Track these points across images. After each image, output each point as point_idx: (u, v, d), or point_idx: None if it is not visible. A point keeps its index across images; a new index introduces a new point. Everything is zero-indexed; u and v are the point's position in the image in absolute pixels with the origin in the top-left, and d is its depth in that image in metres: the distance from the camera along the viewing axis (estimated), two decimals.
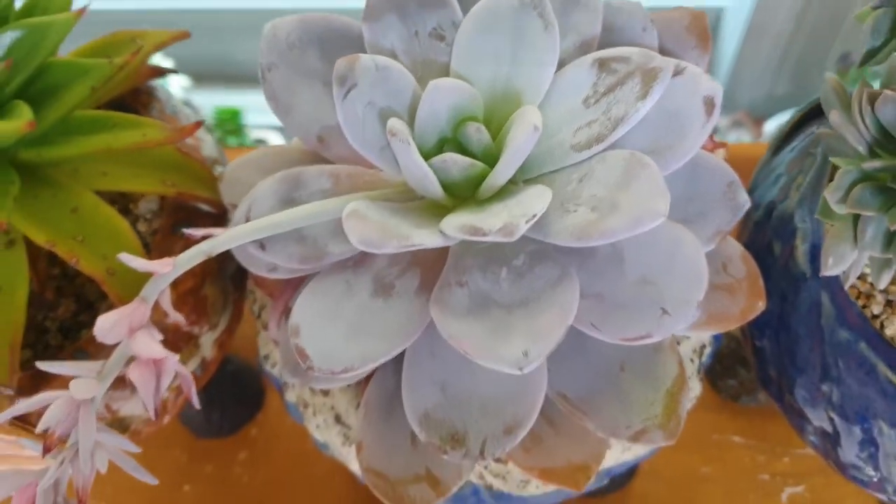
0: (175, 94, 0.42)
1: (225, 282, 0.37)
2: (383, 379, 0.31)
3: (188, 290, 0.35)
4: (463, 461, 0.28)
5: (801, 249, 0.34)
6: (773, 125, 0.99)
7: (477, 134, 0.28)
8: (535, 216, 0.25)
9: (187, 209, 0.36)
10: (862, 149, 0.26)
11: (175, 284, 0.35)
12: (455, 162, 0.27)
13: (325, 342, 0.28)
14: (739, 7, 0.99)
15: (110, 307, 0.35)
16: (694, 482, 0.45)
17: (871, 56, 0.28)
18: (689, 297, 0.27)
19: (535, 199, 0.26)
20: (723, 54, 1.06)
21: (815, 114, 0.39)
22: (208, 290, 0.36)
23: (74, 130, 0.31)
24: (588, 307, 0.27)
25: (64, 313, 0.35)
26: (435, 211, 0.29)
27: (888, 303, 0.33)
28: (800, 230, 0.34)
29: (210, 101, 0.98)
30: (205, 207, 0.36)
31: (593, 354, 0.29)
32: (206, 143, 0.39)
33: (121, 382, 0.35)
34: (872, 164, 0.25)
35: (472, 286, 0.28)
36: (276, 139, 1.05)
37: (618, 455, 0.33)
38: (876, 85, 0.28)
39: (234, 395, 0.48)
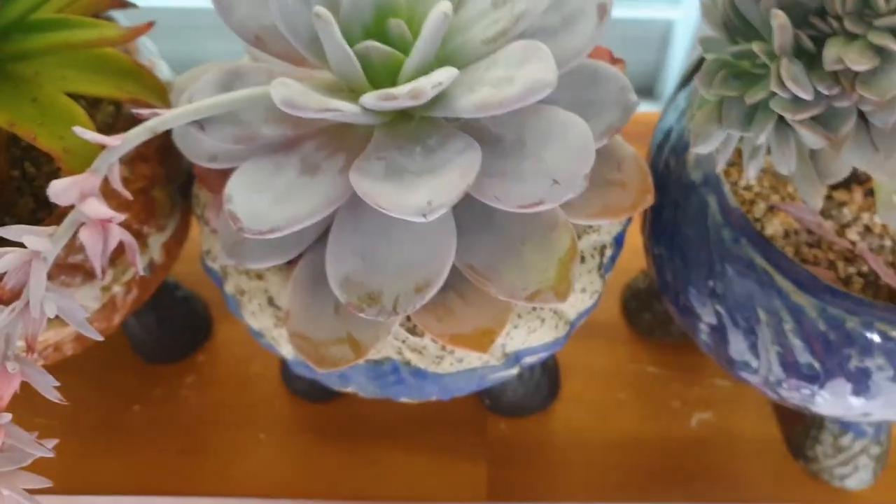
0: None
1: (173, 190, 0.40)
2: (311, 258, 0.34)
3: (138, 190, 0.38)
4: (378, 318, 0.31)
5: (692, 160, 0.37)
6: None
7: (398, 29, 0.32)
8: (440, 84, 0.29)
9: (140, 121, 0.39)
10: (725, 37, 0.30)
11: (126, 183, 0.38)
12: (376, 49, 0.31)
13: (254, 207, 0.31)
14: (688, 20, 1.04)
15: None
16: (611, 406, 0.49)
17: None
18: (577, 170, 0.30)
19: (442, 73, 0.29)
20: (672, 67, 1.11)
21: None
22: (157, 193, 0.39)
23: (34, 29, 0.34)
24: (492, 183, 0.31)
25: (22, 210, 0.38)
26: (357, 97, 0.32)
27: (770, 209, 0.37)
28: (691, 143, 0.37)
29: None
30: None
31: (498, 230, 0.33)
32: (160, 67, 0.42)
33: (71, 270, 0.38)
34: (733, 49, 0.29)
35: (389, 160, 0.31)
36: None
37: (524, 337, 0.36)
38: None
39: (184, 322, 0.50)
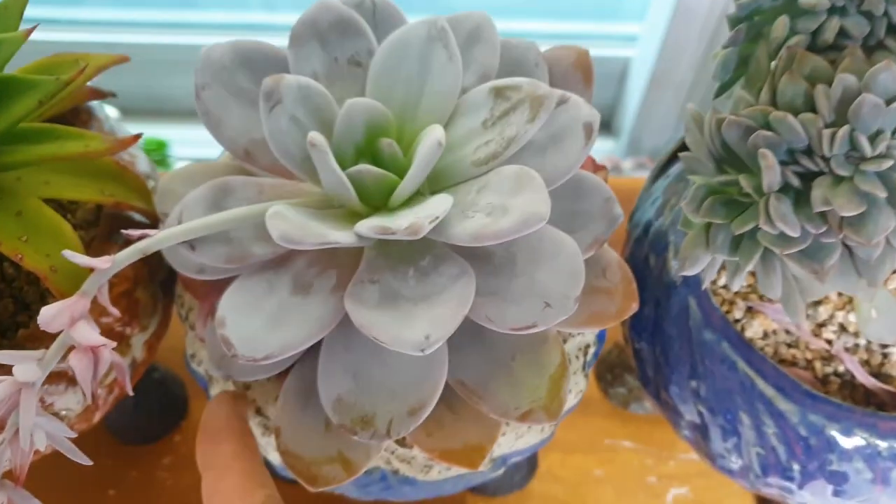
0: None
1: (155, 288, 0.40)
2: (301, 372, 0.34)
3: (122, 293, 0.37)
4: (371, 441, 0.31)
5: (673, 261, 0.38)
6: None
7: (389, 148, 0.32)
8: (437, 218, 0.29)
9: (123, 218, 0.38)
10: (712, 166, 0.31)
11: (110, 287, 0.37)
12: (369, 172, 0.31)
13: (247, 332, 0.31)
14: (645, 58, 1.06)
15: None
16: (588, 483, 0.49)
17: (722, 90, 0.33)
18: (569, 292, 0.31)
19: (438, 204, 0.30)
20: (628, 103, 1.13)
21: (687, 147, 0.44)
22: (140, 293, 0.39)
23: (21, 140, 0.34)
24: (484, 303, 0.31)
25: (2, 314, 0.38)
26: (351, 217, 0.32)
27: (748, 309, 0.38)
28: (672, 244, 0.38)
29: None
30: (139, 217, 0.39)
31: (489, 346, 0.33)
32: (140, 160, 0.42)
33: (56, 378, 0.37)
34: (720, 179, 0.30)
35: (382, 284, 0.31)
36: None
37: (512, 442, 0.36)
38: None
39: (160, 403, 0.50)
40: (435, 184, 0.33)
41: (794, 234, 0.28)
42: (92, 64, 0.38)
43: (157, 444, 0.50)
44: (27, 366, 0.31)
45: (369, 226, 0.29)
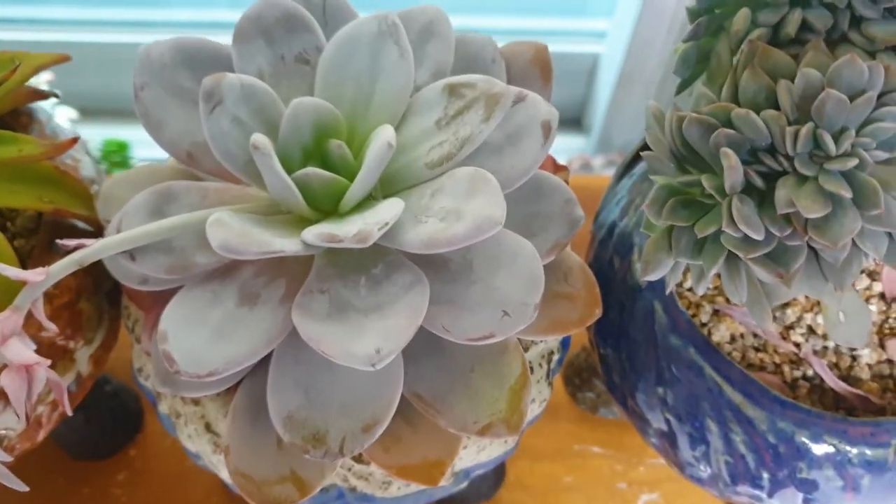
0: (63, 126, 0.43)
1: (101, 299, 0.38)
2: (251, 386, 0.33)
3: (63, 305, 0.36)
4: (324, 459, 0.30)
5: (637, 263, 0.37)
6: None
7: (338, 150, 0.31)
8: (387, 224, 0.27)
9: (64, 226, 0.37)
10: (673, 165, 0.29)
11: (50, 299, 0.36)
12: (317, 176, 0.29)
13: (190, 347, 0.29)
14: (613, 54, 1.05)
15: None
16: (558, 491, 0.48)
17: (683, 86, 0.31)
18: (528, 299, 0.29)
19: (388, 209, 0.28)
20: (598, 99, 1.12)
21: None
22: (83, 305, 0.37)
23: None
24: (440, 312, 0.30)
25: None
26: (298, 223, 0.31)
27: (715, 312, 0.37)
28: (636, 246, 0.37)
29: (98, 134, 0.98)
30: (81, 225, 0.37)
31: (447, 357, 0.32)
32: (85, 164, 0.40)
33: None
34: (682, 179, 0.29)
35: (332, 293, 0.30)
36: None
37: (474, 455, 0.35)
38: None
39: (113, 416, 0.48)
40: (387, 187, 0.31)
41: (758, 237, 0.27)
42: (27, 63, 0.36)
43: (111, 460, 0.48)
44: None
45: (316, 233, 0.28)
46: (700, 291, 0.31)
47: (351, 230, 0.27)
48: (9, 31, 1.08)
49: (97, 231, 0.38)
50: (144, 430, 0.49)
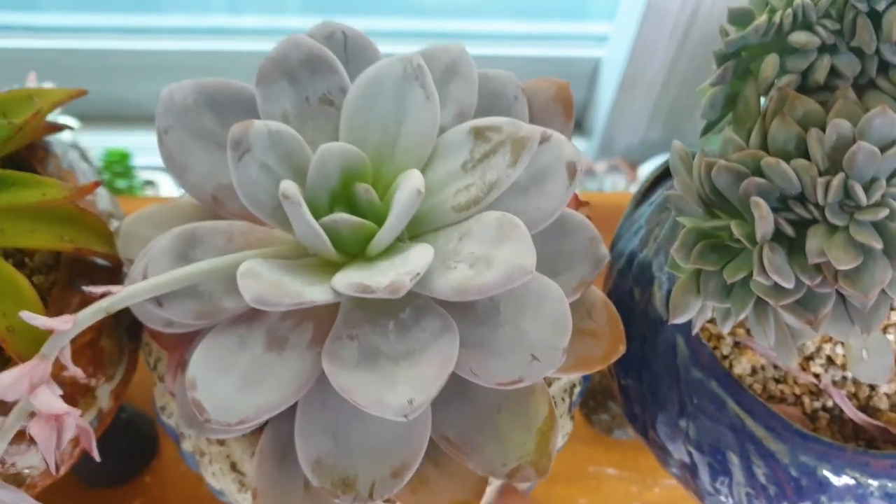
0: (63, 137, 0.43)
1: (120, 334, 0.38)
2: (277, 428, 0.33)
3: (85, 343, 0.36)
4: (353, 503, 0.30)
5: (658, 296, 0.37)
6: (647, 169, 1.05)
7: (366, 194, 0.31)
8: (418, 274, 0.27)
9: (84, 263, 0.37)
10: (702, 210, 0.29)
11: (72, 338, 0.35)
12: (345, 221, 0.29)
13: (220, 395, 0.29)
14: (615, 59, 1.05)
15: (4, 362, 0.36)
16: None
17: (709, 128, 0.31)
18: (556, 343, 0.29)
19: (419, 258, 0.28)
20: (600, 103, 1.12)
21: (670, 172, 0.43)
22: (104, 342, 0.37)
23: None
24: (468, 356, 0.30)
25: None
26: (326, 268, 0.31)
27: (736, 344, 0.37)
28: (657, 278, 0.37)
29: (98, 141, 0.97)
30: (101, 261, 0.37)
31: (473, 399, 0.32)
32: (102, 197, 0.40)
33: (17, 437, 0.35)
34: (711, 224, 0.29)
35: (361, 339, 0.30)
36: (165, 181, 1.05)
37: (497, 491, 0.35)
38: None
39: (129, 444, 0.48)
40: (413, 229, 0.31)
41: (789, 285, 0.27)
42: (47, 101, 0.36)
43: (127, 487, 0.48)
44: None
45: (347, 282, 0.28)
46: (726, 330, 0.32)
47: (383, 281, 0.27)
48: (6, 38, 1.07)
49: (117, 267, 0.38)
50: (160, 456, 0.49)
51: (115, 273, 0.38)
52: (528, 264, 0.28)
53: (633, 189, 0.47)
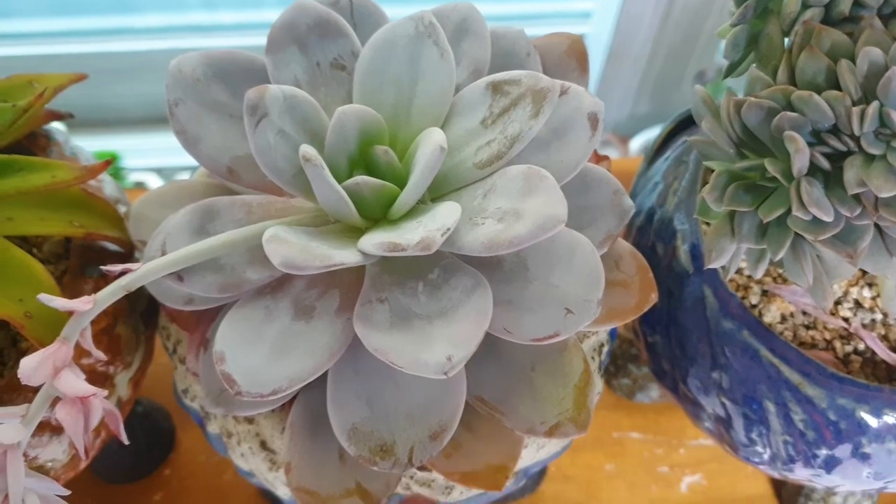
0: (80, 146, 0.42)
1: (136, 320, 0.37)
2: (307, 400, 0.32)
3: (101, 330, 0.35)
4: (392, 470, 0.29)
5: (682, 249, 0.37)
6: (638, 142, 1.05)
7: (385, 156, 0.30)
8: (448, 229, 0.27)
9: (94, 249, 0.36)
10: (732, 151, 0.29)
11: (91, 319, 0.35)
12: (367, 184, 0.29)
13: (250, 366, 0.28)
14: (600, 34, 1.05)
15: (20, 353, 0.35)
16: (600, 479, 0.48)
17: (732, 69, 0.31)
18: (590, 296, 0.29)
19: (447, 214, 0.28)
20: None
21: (682, 127, 0.43)
22: (121, 328, 0.36)
23: None
24: (499, 313, 0.29)
25: None
26: (350, 233, 0.30)
27: (764, 292, 0.37)
28: (679, 232, 0.37)
29: (85, 146, 0.96)
30: (111, 246, 0.36)
31: (506, 358, 0.31)
32: (107, 183, 0.39)
33: (38, 428, 0.34)
34: (742, 165, 0.28)
35: (392, 301, 0.29)
36: (154, 181, 1.04)
37: (533, 454, 0.34)
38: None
39: (146, 437, 0.47)
40: (435, 190, 0.31)
41: (828, 218, 0.27)
42: (49, 85, 0.35)
43: (146, 481, 0.47)
44: (10, 425, 0.28)
45: (375, 243, 0.27)
46: (758, 275, 0.31)
47: (413, 238, 0.27)
48: None
49: (128, 252, 0.37)
50: (178, 448, 0.48)
51: (126, 257, 0.37)
52: (559, 213, 0.27)
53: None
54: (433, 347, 0.27)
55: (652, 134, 1.05)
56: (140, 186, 1.00)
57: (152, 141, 1.05)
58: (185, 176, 1.05)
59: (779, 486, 0.48)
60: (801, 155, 0.26)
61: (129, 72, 1.09)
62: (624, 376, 0.50)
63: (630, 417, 0.50)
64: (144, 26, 1.13)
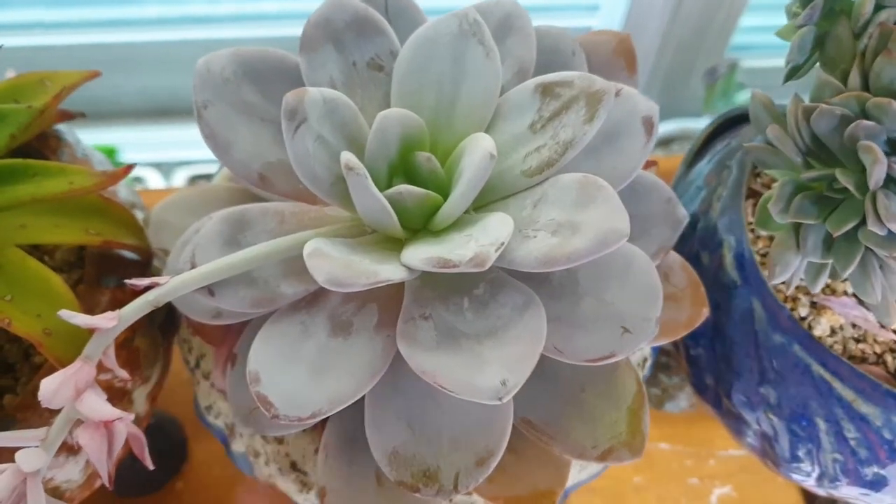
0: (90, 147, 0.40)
1: (154, 332, 0.35)
2: (341, 420, 0.30)
3: (120, 344, 0.33)
4: (437, 497, 0.27)
5: (728, 258, 0.35)
6: None
7: (427, 164, 0.28)
8: (503, 244, 0.25)
9: (111, 258, 0.34)
10: (799, 160, 0.27)
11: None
12: (410, 193, 0.27)
13: (288, 387, 0.26)
14: (608, 27, 1.03)
15: (33, 367, 0.33)
16: (628, 492, 0.46)
17: (794, 72, 0.29)
18: (648, 314, 0.27)
19: (499, 227, 0.26)
20: None
21: (722, 129, 0.41)
22: (139, 342, 0.34)
23: None
24: (550, 332, 0.27)
25: None
26: (389, 244, 0.28)
27: (812, 304, 0.35)
28: (725, 240, 0.35)
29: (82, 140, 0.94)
30: (128, 254, 0.34)
31: (553, 378, 0.30)
32: (122, 187, 0.37)
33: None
34: (810, 175, 0.27)
35: (436, 319, 0.27)
36: (154, 177, 1.01)
37: (576, 475, 0.33)
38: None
39: (158, 449, 0.45)
40: (479, 199, 0.29)
41: None
42: (63, 84, 0.33)
43: (158, 495, 0.45)
44: (30, 452, 0.26)
45: (422, 258, 0.25)
46: (817, 289, 0.30)
47: (465, 254, 0.25)
48: None
49: (146, 261, 0.35)
50: (190, 460, 0.47)
51: (144, 266, 0.35)
52: (622, 227, 0.25)
53: None
54: (485, 371, 0.25)
55: (662, 129, 1.04)
56: (138, 182, 0.97)
57: (151, 135, 1.02)
58: (185, 171, 1.02)
59: (811, 499, 0.46)
60: (879, 166, 0.25)
61: (127, 63, 1.06)
62: (653, 385, 0.48)
63: (658, 428, 0.48)
64: (144, 17, 1.10)
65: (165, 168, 1.00)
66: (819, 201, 0.27)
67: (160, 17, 1.08)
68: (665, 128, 1.05)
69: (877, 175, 0.25)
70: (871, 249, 0.27)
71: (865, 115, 0.26)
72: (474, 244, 0.25)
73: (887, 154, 0.25)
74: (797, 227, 0.28)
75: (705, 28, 0.96)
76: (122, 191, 0.37)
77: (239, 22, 1.09)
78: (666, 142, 1.07)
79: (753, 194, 0.36)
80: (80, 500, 0.35)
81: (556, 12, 1.06)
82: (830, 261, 0.28)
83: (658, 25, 0.97)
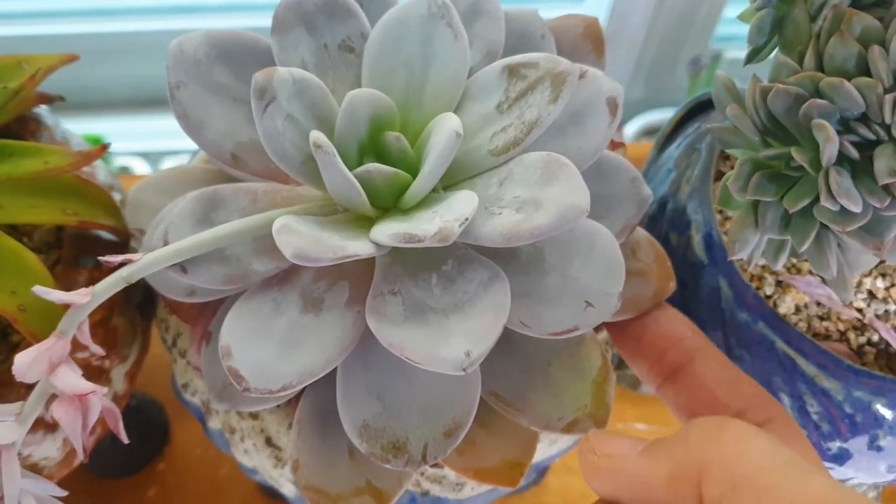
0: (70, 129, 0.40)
1: (133, 311, 0.36)
2: (314, 395, 0.31)
3: (97, 322, 0.33)
4: (406, 468, 0.28)
5: (696, 239, 0.36)
6: (633, 127, 1.04)
7: (397, 143, 0.29)
8: (466, 219, 0.26)
9: (88, 238, 0.34)
10: (757, 139, 0.28)
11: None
12: (379, 172, 0.28)
13: (258, 361, 0.27)
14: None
15: (11, 346, 0.33)
16: None
17: (755, 54, 0.30)
18: (611, 288, 0.28)
19: (464, 203, 0.26)
20: None
21: (693, 113, 0.42)
22: (117, 320, 0.35)
23: None
24: (516, 306, 0.28)
25: None
26: (360, 222, 0.29)
27: (778, 283, 0.36)
28: (693, 221, 0.36)
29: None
30: (106, 235, 0.35)
31: (521, 352, 0.30)
32: (100, 169, 0.38)
33: (31, 426, 0.33)
34: (767, 153, 0.27)
35: (404, 294, 0.28)
36: (140, 166, 1.02)
37: (545, 449, 0.34)
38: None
39: (139, 431, 0.46)
40: (447, 178, 0.29)
41: (857, 209, 0.26)
42: (40, 66, 0.33)
43: (140, 476, 0.46)
44: (4, 424, 0.27)
45: (390, 233, 0.26)
46: (778, 266, 0.30)
47: (429, 229, 0.26)
48: None
49: (123, 241, 0.36)
50: (172, 441, 0.47)
51: (121, 247, 0.35)
52: (582, 203, 0.26)
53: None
54: (450, 343, 0.26)
55: (647, 119, 1.04)
56: (125, 171, 0.98)
57: (138, 124, 1.03)
58: (172, 161, 1.03)
59: None
60: (830, 144, 0.25)
61: (114, 53, 1.06)
62: (628, 367, 0.49)
63: (634, 408, 0.49)
64: (131, 6, 1.11)
65: (153, 157, 1.01)
66: (776, 179, 0.28)
67: (147, 6, 1.09)
68: (651, 117, 1.06)
69: (829, 153, 0.26)
70: (826, 226, 0.27)
71: (819, 94, 0.26)
72: (439, 220, 0.26)
73: (839, 132, 0.26)
74: (756, 205, 0.28)
75: (689, 19, 0.97)
76: (100, 173, 0.38)
77: (226, 12, 1.10)
78: (652, 131, 1.08)
79: (722, 176, 0.37)
80: (59, 478, 0.36)
81: (542, 3, 1.07)
82: (789, 237, 0.28)
83: (643, 16, 0.98)
